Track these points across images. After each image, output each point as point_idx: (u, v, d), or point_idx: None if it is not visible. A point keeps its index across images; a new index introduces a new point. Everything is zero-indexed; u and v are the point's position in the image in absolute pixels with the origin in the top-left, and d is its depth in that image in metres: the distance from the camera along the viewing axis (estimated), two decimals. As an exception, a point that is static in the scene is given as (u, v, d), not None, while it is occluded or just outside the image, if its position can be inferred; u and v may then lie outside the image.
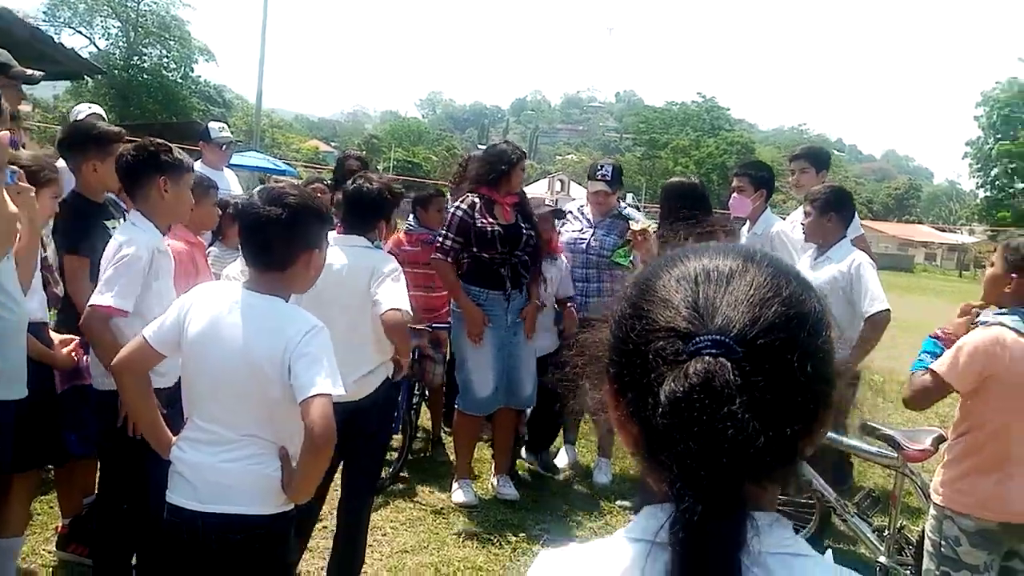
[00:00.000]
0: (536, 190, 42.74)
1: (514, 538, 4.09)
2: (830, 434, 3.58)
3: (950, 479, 2.69)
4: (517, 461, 5.05)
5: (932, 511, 2.77)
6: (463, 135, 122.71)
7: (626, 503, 4.57)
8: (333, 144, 70.47)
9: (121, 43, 50.16)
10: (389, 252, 4.77)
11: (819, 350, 0.79)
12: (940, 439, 3.09)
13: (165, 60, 51.70)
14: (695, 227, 3.86)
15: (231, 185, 5.88)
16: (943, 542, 2.68)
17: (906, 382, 2.85)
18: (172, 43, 51.04)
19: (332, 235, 2.82)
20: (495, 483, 4.69)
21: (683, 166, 57.61)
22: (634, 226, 4.61)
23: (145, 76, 49.72)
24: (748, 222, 4.95)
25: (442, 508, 4.41)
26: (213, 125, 5.98)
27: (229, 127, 7.12)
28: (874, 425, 3.23)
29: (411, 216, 5.11)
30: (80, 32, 49.38)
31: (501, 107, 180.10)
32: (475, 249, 4.44)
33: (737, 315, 0.77)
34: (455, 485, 4.55)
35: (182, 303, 2.20)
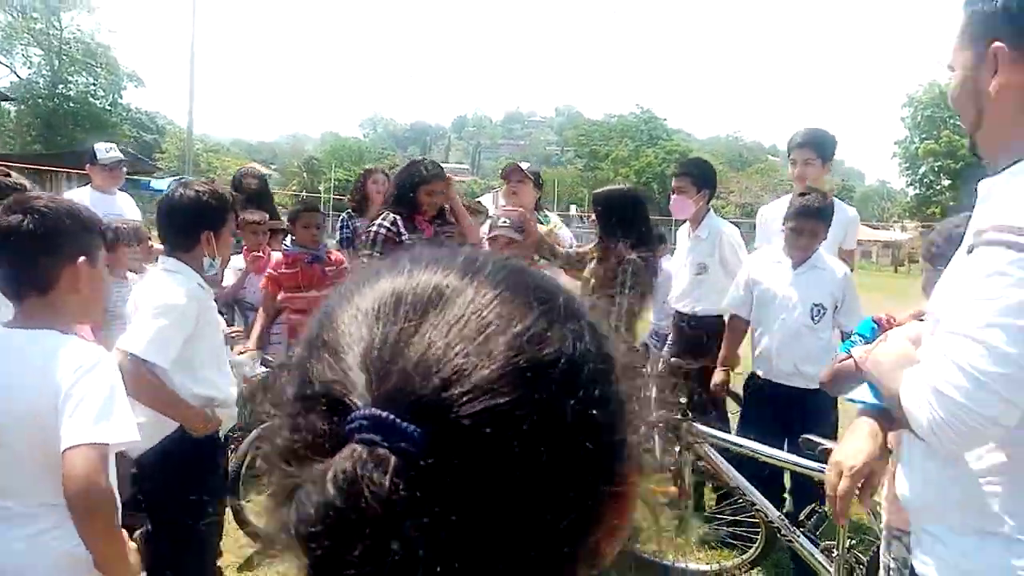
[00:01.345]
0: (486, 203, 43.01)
1: None
2: (766, 449, 3.34)
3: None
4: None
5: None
6: (405, 153, 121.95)
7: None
8: (273, 167, 69.16)
9: (45, 71, 48.49)
10: (267, 275, 4.54)
11: (585, 411, 0.49)
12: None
13: (92, 87, 50.23)
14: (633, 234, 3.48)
15: (124, 210, 5.43)
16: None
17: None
18: (99, 70, 49.61)
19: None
20: None
21: (623, 176, 58.27)
22: (541, 228, 4.35)
23: (72, 104, 48.19)
24: (689, 225, 4.73)
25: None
26: (99, 146, 5.53)
27: (161, 152, 6.69)
28: (811, 438, 2.99)
29: (287, 236, 4.72)
30: (0, 62, 47.60)
31: (443, 125, 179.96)
32: None
33: (422, 370, 0.47)
34: None
35: None
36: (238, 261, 4.86)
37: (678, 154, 69.35)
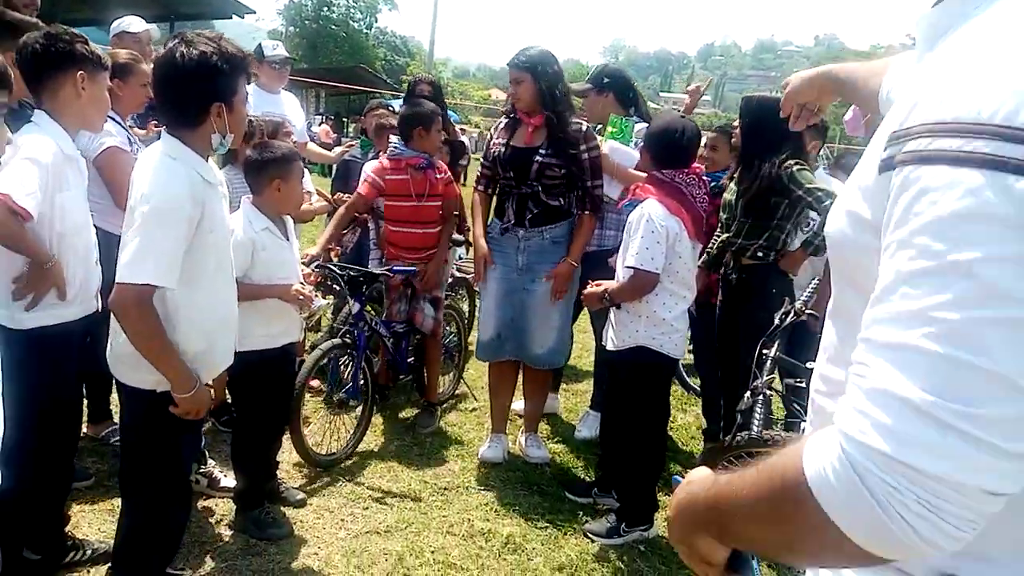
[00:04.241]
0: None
1: (505, 532, 3.34)
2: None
3: None
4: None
5: None
6: (645, 82, 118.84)
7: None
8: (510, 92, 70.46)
9: (312, -7, 52.57)
10: (369, 181, 4.16)
11: None
12: None
13: (351, 10, 53.78)
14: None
15: (286, 109, 5.41)
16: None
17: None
18: (359, -9, 52.97)
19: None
20: (522, 442, 4.17)
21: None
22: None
23: (333, 27, 51.98)
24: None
25: (428, 486, 3.73)
26: (266, 43, 5.50)
27: (407, 76, 6.74)
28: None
29: (394, 137, 4.27)
30: (276, -16, 52.42)
31: (687, 53, 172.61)
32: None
33: None
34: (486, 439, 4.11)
35: None
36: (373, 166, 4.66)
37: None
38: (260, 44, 5.47)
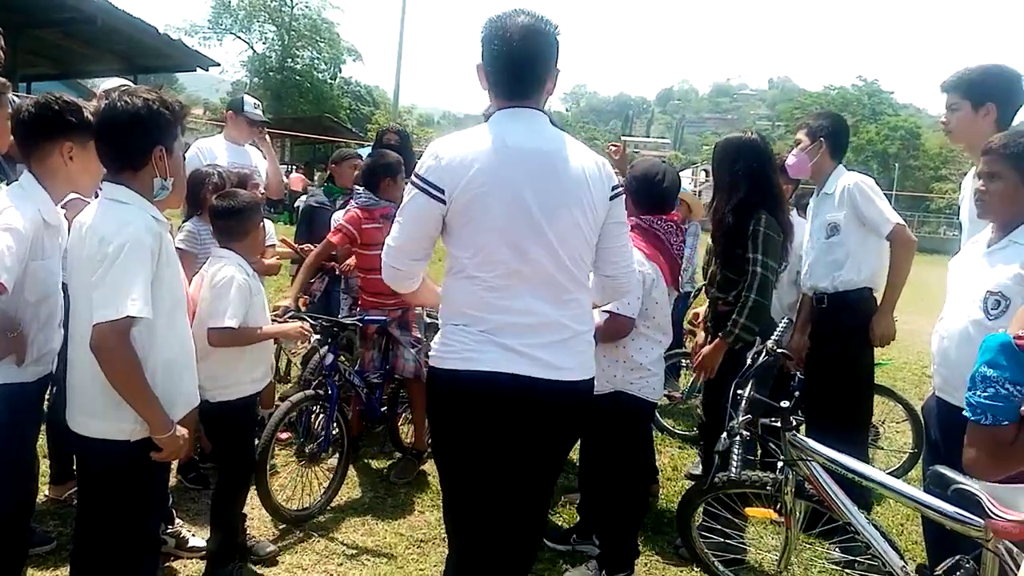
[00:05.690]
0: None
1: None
2: (899, 486, 2.53)
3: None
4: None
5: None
6: (606, 127, 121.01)
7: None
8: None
9: (276, 47, 52.95)
10: (342, 232, 4.14)
11: None
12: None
13: (316, 61, 54.17)
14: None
15: (254, 161, 5.39)
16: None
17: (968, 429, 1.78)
18: (322, 44, 53.43)
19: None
20: None
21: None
22: None
23: (297, 77, 52.23)
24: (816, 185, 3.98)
25: (403, 539, 3.64)
26: (248, 99, 5.48)
27: (372, 124, 6.76)
28: (948, 474, 2.17)
29: (360, 188, 4.30)
30: (240, 37, 52.71)
31: (647, 98, 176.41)
32: None
33: None
34: None
35: None
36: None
37: (904, 130, 62.94)
38: (242, 97, 5.44)
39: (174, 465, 3.93)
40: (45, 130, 2.43)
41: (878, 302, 3.76)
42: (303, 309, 4.22)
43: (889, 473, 4.68)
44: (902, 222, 3.67)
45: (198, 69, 13.24)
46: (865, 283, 3.76)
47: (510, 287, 2.11)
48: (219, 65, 14.18)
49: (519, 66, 2.17)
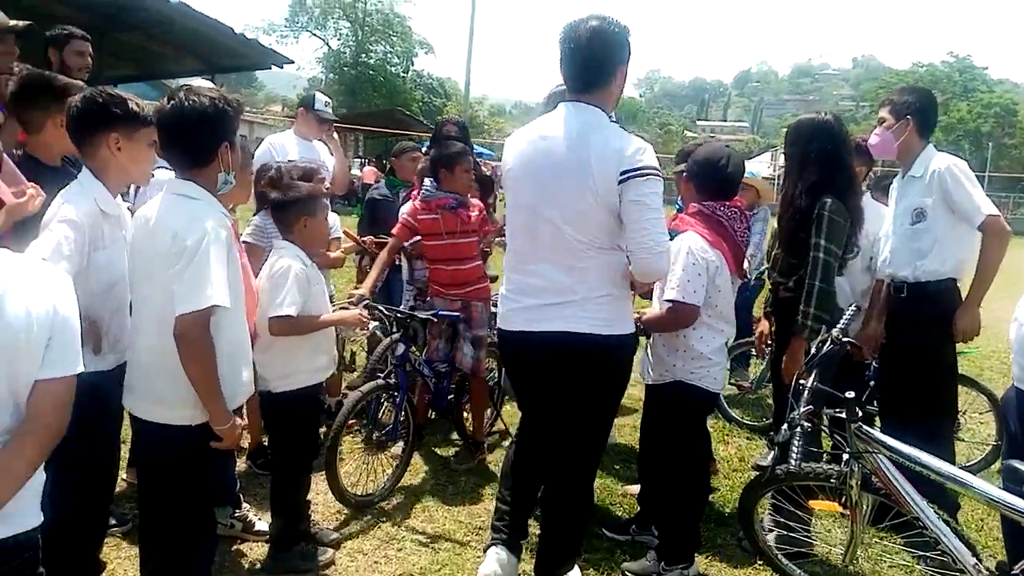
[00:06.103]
0: (757, 166, 40.47)
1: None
2: (975, 482, 2.41)
3: None
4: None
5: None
6: (681, 112, 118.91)
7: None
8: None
9: (350, 43, 54.05)
10: (403, 224, 4.24)
11: None
12: None
13: (389, 55, 55.03)
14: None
15: (320, 156, 5.51)
16: None
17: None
18: (395, 39, 54.25)
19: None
20: None
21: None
22: None
23: (371, 72, 53.18)
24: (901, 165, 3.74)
25: (463, 526, 3.69)
26: (319, 96, 5.60)
27: (444, 115, 6.89)
28: (1019, 466, 2.04)
29: (428, 179, 4.34)
30: (315, 34, 53.99)
31: (723, 81, 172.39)
32: None
33: None
34: None
35: None
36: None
37: (999, 108, 59.59)
38: (313, 94, 5.56)
39: (243, 450, 4.11)
40: (91, 123, 2.49)
41: (962, 294, 3.52)
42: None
43: (970, 466, 4.50)
44: (996, 212, 3.39)
45: (273, 67, 13.62)
46: (949, 274, 3.50)
47: (527, 254, 2.73)
48: (293, 62, 14.53)
49: (582, 66, 2.62)
